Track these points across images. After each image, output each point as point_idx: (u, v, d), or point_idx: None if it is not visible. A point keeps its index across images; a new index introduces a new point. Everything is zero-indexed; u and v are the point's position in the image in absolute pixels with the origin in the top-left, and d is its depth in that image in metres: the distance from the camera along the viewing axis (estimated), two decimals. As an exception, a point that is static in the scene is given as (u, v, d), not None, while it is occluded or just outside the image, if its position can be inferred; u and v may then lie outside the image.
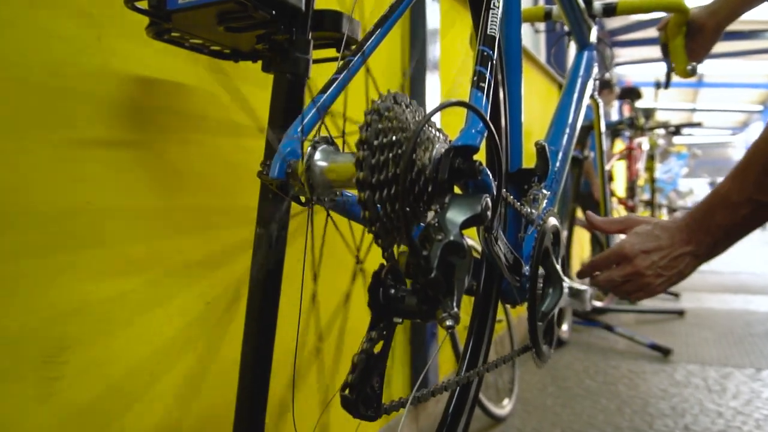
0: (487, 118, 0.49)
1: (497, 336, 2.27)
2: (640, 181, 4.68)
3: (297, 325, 0.61)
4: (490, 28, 0.59)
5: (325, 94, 0.54)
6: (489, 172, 0.50)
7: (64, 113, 0.73)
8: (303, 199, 0.53)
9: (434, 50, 1.68)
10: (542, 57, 3.60)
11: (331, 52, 0.86)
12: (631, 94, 3.93)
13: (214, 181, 0.95)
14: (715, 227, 0.78)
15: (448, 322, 0.43)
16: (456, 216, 0.44)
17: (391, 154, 0.43)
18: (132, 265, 0.82)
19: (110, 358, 0.79)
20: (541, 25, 3.47)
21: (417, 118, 0.49)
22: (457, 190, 0.52)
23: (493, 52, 0.57)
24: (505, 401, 1.91)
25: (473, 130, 0.49)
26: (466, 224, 0.45)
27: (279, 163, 0.50)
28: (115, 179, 0.79)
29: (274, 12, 0.72)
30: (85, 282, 0.75)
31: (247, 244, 0.77)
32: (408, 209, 0.45)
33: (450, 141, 0.50)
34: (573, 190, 3.14)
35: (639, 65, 8.76)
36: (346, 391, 0.44)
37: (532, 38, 3.40)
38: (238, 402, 0.79)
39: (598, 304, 3.37)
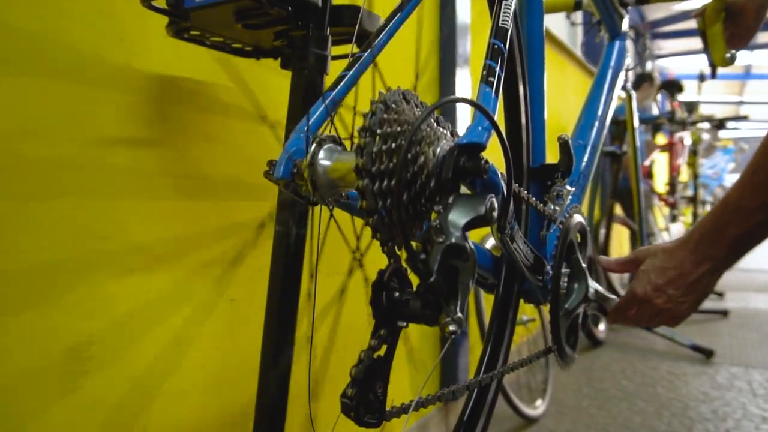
0: (493, 115, 0.47)
1: (531, 336, 2.23)
2: (683, 177, 4.54)
3: (312, 322, 0.60)
4: (503, 20, 0.57)
5: (333, 92, 0.53)
6: (498, 171, 0.48)
7: (88, 113, 0.74)
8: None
9: (465, 45, 1.65)
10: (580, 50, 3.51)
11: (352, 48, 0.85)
12: (671, 87, 3.81)
13: (237, 179, 0.95)
14: (729, 239, 0.74)
15: (451, 327, 0.42)
16: (459, 217, 0.43)
17: (393, 144, 0.42)
18: (157, 263, 0.83)
19: (135, 354, 0.80)
20: (578, 18, 3.39)
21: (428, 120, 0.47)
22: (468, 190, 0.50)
23: (505, 46, 0.55)
24: (538, 402, 1.88)
25: (480, 127, 0.47)
26: (469, 226, 0.43)
27: (284, 163, 0.49)
28: (139, 177, 0.80)
29: (290, 8, 0.72)
30: (111, 279, 0.76)
31: (270, 242, 0.77)
32: (409, 207, 0.43)
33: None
34: (611, 185, 3.07)
35: (683, 57, 8.50)
36: (347, 396, 0.43)
37: (568, 31, 3.32)
38: (258, 399, 0.79)
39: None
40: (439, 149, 0.45)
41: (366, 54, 0.56)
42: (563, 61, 2.93)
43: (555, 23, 2.75)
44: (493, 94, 0.51)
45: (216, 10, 0.72)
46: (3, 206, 0.66)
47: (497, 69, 0.53)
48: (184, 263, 0.87)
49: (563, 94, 2.79)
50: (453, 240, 0.42)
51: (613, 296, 0.88)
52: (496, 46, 0.55)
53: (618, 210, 3.30)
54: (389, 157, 0.41)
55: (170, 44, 0.79)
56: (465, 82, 1.62)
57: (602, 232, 3.12)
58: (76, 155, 0.73)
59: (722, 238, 0.75)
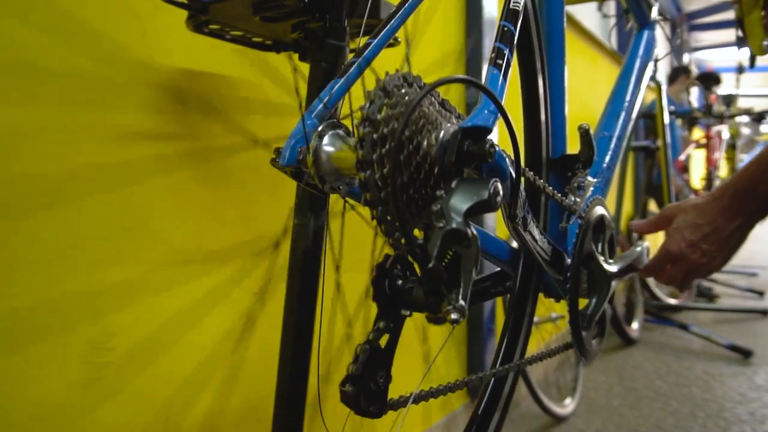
0: (499, 97, 0.45)
1: (560, 333, 2.19)
2: (722, 172, 4.41)
3: (320, 314, 0.60)
4: (514, 3, 0.56)
5: (342, 79, 0.53)
6: (506, 156, 0.46)
7: (111, 107, 0.75)
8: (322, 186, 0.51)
9: (492, 38, 1.62)
10: (613, 43, 3.44)
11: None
12: (708, 79, 3.69)
13: (259, 173, 0.95)
14: (762, 195, 0.77)
15: (453, 316, 0.40)
16: (460, 202, 0.41)
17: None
18: (178, 255, 0.83)
19: (157, 346, 0.80)
20: (611, 9, 3.32)
21: (432, 103, 0.46)
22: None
23: (515, 28, 0.53)
24: (567, 400, 1.85)
25: (486, 111, 0.45)
26: (471, 211, 0.42)
27: (289, 150, 0.48)
28: (160, 171, 0.81)
29: (306, -1, 0.71)
30: (132, 271, 0.77)
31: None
32: (413, 194, 0.42)
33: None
34: (645, 181, 2.99)
35: (722, 50, 8.25)
36: (346, 386, 0.42)
37: (600, 23, 3.26)
38: (277, 391, 0.79)
39: (672, 301, 3.20)
40: (442, 133, 0.44)
41: (375, 41, 0.55)
42: (594, 53, 2.87)
43: (587, 15, 2.69)
44: (501, 76, 0.50)
45: (233, 3, 0.72)
46: (25, 199, 0.67)
47: (506, 52, 0.51)
48: (207, 256, 0.87)
49: (594, 87, 2.74)
50: (453, 225, 0.40)
51: (640, 248, 0.87)
52: (506, 29, 0.53)
53: (653, 206, 3.23)
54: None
55: (192, 38, 0.80)
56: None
57: (635, 234, 3.04)
58: (99, 148, 0.74)
59: (755, 194, 0.77)
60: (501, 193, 0.43)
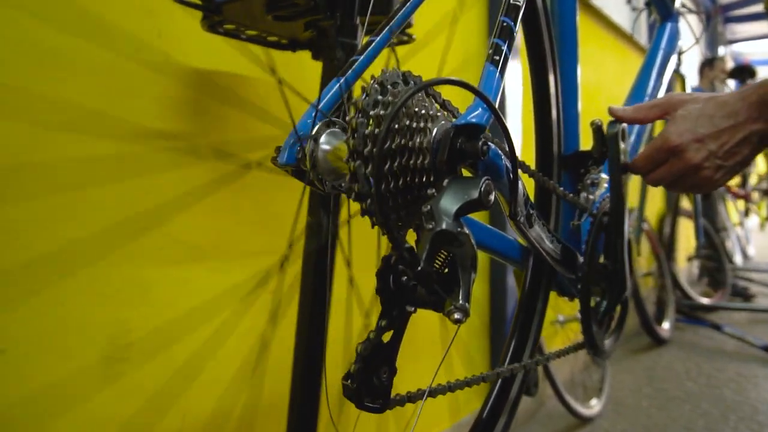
0: (493, 96, 0.45)
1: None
2: (761, 169, 4.28)
3: (326, 312, 0.60)
4: (515, -2, 0.55)
5: (344, 77, 0.53)
6: (501, 153, 0.46)
7: (127, 107, 0.76)
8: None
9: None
10: (643, 38, 3.37)
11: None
12: (742, 72, 3.57)
13: (275, 171, 0.95)
14: None
15: (456, 316, 0.40)
16: (450, 203, 0.41)
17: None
18: (195, 253, 0.84)
19: (174, 342, 0.82)
20: (640, 2, 3.24)
21: (426, 102, 0.45)
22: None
23: (515, 24, 0.53)
24: (593, 401, 1.82)
25: (480, 108, 0.45)
26: (462, 211, 0.41)
27: (288, 149, 0.49)
28: (175, 169, 0.82)
29: (318, -3, 0.71)
30: (149, 269, 0.78)
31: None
32: (404, 190, 0.42)
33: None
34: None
35: (759, 42, 7.99)
36: (348, 380, 0.42)
37: (630, 17, 3.19)
38: (291, 387, 0.80)
39: (705, 301, 3.12)
40: (435, 130, 0.43)
41: (378, 39, 0.55)
42: (623, 48, 2.81)
43: (616, 9, 2.64)
44: (497, 73, 0.49)
45: (246, 2, 0.73)
46: (44, 198, 0.68)
47: (504, 48, 0.50)
48: (224, 254, 0.88)
49: (623, 82, 2.68)
50: (444, 226, 0.40)
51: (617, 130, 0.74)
52: (505, 24, 0.52)
53: (686, 204, 3.15)
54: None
55: (208, 39, 0.81)
56: (516, 74, 1.58)
57: (666, 231, 2.97)
58: (117, 148, 0.75)
59: None
60: (493, 191, 0.42)
